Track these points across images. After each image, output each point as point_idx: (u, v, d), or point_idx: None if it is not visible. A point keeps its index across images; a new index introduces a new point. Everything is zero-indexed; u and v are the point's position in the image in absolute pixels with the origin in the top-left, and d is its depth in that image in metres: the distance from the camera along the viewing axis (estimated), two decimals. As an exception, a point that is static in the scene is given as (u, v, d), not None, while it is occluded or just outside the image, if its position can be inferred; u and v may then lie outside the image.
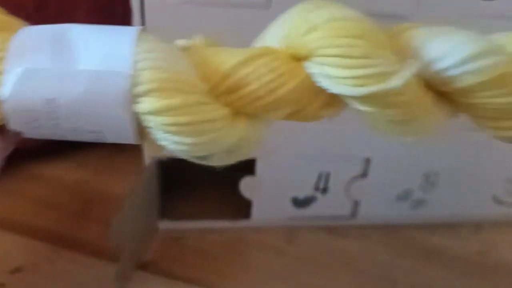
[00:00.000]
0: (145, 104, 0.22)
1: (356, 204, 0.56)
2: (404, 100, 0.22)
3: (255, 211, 0.55)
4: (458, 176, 0.55)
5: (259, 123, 0.23)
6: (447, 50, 0.22)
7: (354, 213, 0.57)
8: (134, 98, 0.22)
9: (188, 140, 0.21)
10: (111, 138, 0.23)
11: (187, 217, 0.56)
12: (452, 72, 0.22)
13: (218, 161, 0.23)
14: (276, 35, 0.24)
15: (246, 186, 0.53)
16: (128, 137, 0.23)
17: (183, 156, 0.23)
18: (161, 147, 0.23)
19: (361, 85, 0.21)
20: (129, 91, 0.22)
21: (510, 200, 0.57)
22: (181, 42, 0.26)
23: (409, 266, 0.53)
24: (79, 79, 0.21)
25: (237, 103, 0.23)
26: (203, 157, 0.23)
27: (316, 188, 0.55)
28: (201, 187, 0.58)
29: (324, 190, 0.55)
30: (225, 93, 0.23)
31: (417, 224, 0.58)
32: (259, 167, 0.52)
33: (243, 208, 0.55)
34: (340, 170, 0.54)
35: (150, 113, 0.21)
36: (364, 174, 0.54)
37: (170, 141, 0.22)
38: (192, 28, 0.47)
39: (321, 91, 0.23)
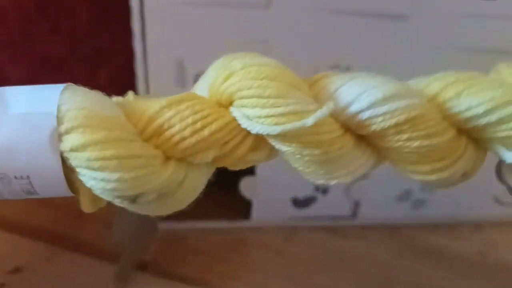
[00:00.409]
0: (69, 141, 0.21)
1: (356, 204, 0.56)
2: (322, 140, 0.22)
3: (255, 211, 0.55)
4: (458, 176, 0.55)
5: (193, 170, 0.23)
6: (358, 94, 0.23)
7: (354, 213, 0.57)
8: (60, 136, 0.22)
9: (114, 175, 0.21)
10: (40, 187, 0.22)
11: (187, 217, 0.56)
12: (363, 115, 0.23)
13: (150, 207, 0.23)
14: (203, 85, 0.25)
15: (246, 186, 0.53)
16: (58, 185, 0.22)
17: (112, 198, 0.22)
18: (96, 200, 0.23)
19: (276, 124, 0.22)
20: (56, 130, 0.22)
21: (510, 200, 0.57)
22: (114, 99, 0.26)
23: (409, 266, 0.53)
24: (7, 123, 0.22)
25: (164, 146, 0.23)
26: (133, 199, 0.22)
27: (316, 188, 0.55)
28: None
29: (324, 190, 0.55)
30: (152, 136, 0.23)
31: (417, 224, 0.58)
32: (259, 167, 0.52)
33: (243, 208, 0.55)
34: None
35: (74, 149, 0.21)
36: (364, 174, 0.54)
37: (96, 179, 0.21)
38: (192, 28, 0.47)
39: (246, 134, 0.24)
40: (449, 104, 0.24)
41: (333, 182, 0.24)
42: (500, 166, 0.25)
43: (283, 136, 0.23)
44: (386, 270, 0.53)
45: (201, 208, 0.58)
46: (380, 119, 0.23)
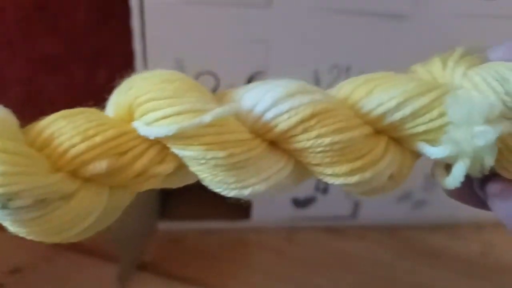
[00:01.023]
0: None
1: (356, 204, 0.56)
2: (225, 140, 0.22)
3: (255, 211, 0.55)
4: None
5: (89, 189, 0.22)
6: (262, 94, 0.23)
7: (354, 214, 0.57)
8: None
9: None
10: None
11: (187, 218, 0.56)
12: (269, 115, 0.22)
13: (27, 216, 0.20)
14: (109, 107, 0.24)
15: (246, 186, 0.53)
16: None
17: None
18: None
19: (173, 123, 0.21)
20: None
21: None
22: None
23: (409, 266, 0.53)
24: None
25: (54, 156, 0.21)
26: (5, 202, 0.20)
27: (317, 188, 0.55)
28: (201, 187, 0.58)
29: (325, 190, 0.55)
30: (42, 146, 0.21)
31: (417, 224, 0.57)
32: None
33: (243, 208, 0.55)
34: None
35: None
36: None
37: None
38: (192, 28, 0.46)
39: (149, 145, 0.22)
40: (360, 103, 0.23)
41: (246, 192, 0.23)
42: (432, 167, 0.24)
43: (183, 138, 0.22)
44: (386, 270, 0.53)
45: (201, 208, 0.58)
46: (285, 116, 0.22)
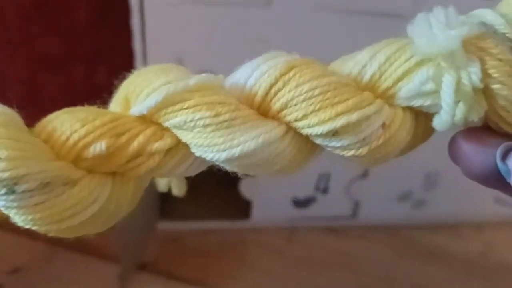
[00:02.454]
0: None
1: (356, 204, 0.56)
2: (212, 101, 0.23)
3: (255, 211, 0.55)
4: (459, 176, 0.55)
5: (93, 178, 0.23)
6: (242, 69, 0.25)
7: (354, 214, 0.57)
8: None
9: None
10: None
11: (187, 217, 0.56)
12: (250, 82, 0.24)
13: (32, 201, 0.21)
14: (111, 104, 0.26)
15: (246, 186, 0.53)
16: None
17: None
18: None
19: (158, 92, 0.23)
20: None
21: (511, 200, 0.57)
22: None
23: (409, 266, 0.53)
24: None
25: (56, 146, 0.23)
26: (11, 186, 0.21)
27: (317, 188, 0.55)
28: (201, 187, 0.58)
29: (325, 190, 0.55)
30: (47, 140, 0.22)
31: (418, 224, 0.57)
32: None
33: (243, 208, 0.55)
34: (340, 170, 0.53)
35: None
36: (364, 174, 0.54)
37: None
38: (191, 27, 0.46)
39: (145, 127, 0.24)
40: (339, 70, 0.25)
41: (237, 152, 0.23)
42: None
43: (172, 104, 0.23)
44: (386, 270, 0.53)
45: (201, 208, 0.58)
46: (265, 76, 0.23)
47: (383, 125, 0.23)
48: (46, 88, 0.54)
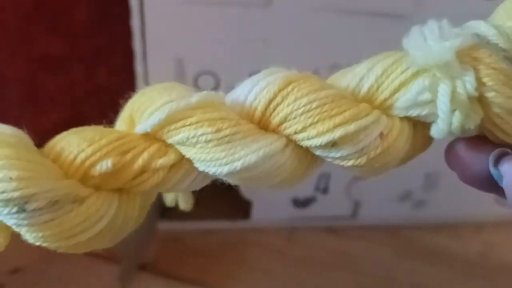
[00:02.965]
0: None
1: (356, 204, 0.56)
2: (213, 117, 0.24)
3: (255, 211, 0.55)
4: (459, 176, 0.55)
5: (100, 196, 0.23)
6: (242, 86, 0.26)
7: (354, 214, 0.57)
8: None
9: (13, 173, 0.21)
10: None
11: (187, 218, 0.56)
12: (250, 98, 0.25)
13: (42, 219, 0.22)
14: (117, 124, 0.27)
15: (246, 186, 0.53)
16: None
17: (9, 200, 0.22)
18: None
19: (164, 109, 0.24)
20: None
21: None
22: None
23: (409, 266, 0.53)
24: None
25: (65, 166, 0.23)
26: (22, 205, 0.21)
27: (317, 188, 0.55)
28: (201, 188, 0.58)
29: (325, 190, 0.55)
30: (55, 160, 0.24)
31: (418, 224, 0.57)
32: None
33: (243, 208, 0.55)
34: (340, 170, 0.53)
35: None
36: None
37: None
38: (192, 27, 0.46)
39: (149, 144, 0.24)
40: (337, 84, 0.26)
41: (239, 166, 0.23)
42: None
43: (174, 121, 0.24)
44: (386, 270, 0.53)
45: (201, 208, 0.58)
46: (264, 92, 0.24)
47: (381, 135, 0.24)
48: (46, 88, 0.54)
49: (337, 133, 0.23)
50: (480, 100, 0.23)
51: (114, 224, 0.24)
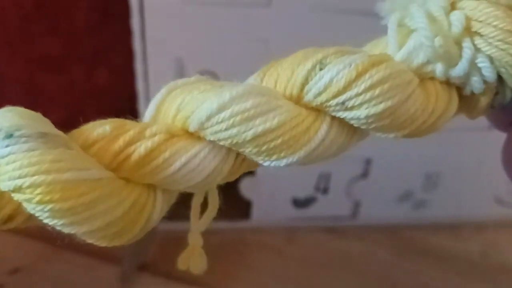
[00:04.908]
0: None
1: (356, 204, 0.56)
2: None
3: (255, 211, 0.55)
4: (459, 176, 0.55)
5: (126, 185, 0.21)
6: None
7: (354, 214, 0.57)
8: None
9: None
10: None
11: (187, 218, 0.56)
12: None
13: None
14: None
15: (246, 186, 0.53)
16: None
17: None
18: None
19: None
20: None
21: (512, 200, 0.57)
22: None
23: (410, 266, 0.53)
24: None
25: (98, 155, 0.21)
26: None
27: (317, 188, 0.55)
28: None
29: (325, 191, 0.55)
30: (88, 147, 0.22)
31: (418, 224, 0.57)
32: (259, 167, 0.52)
33: (243, 208, 0.55)
34: (340, 170, 0.53)
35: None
36: (365, 175, 0.54)
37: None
38: (192, 27, 0.46)
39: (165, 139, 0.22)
40: None
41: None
42: None
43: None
44: (386, 270, 0.53)
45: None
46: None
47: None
48: (46, 88, 0.54)
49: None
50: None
51: (114, 209, 0.21)
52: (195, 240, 0.29)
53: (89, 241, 0.22)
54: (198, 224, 0.27)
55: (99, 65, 0.54)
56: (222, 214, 0.60)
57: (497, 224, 0.58)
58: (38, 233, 0.52)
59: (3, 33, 0.51)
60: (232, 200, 0.55)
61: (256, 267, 0.52)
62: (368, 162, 0.53)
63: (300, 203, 0.55)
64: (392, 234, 0.57)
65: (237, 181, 0.53)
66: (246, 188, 0.53)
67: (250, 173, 0.52)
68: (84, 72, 0.54)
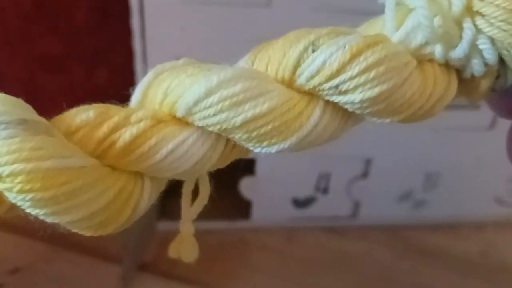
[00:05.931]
0: None
1: (357, 204, 0.56)
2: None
3: (255, 211, 0.55)
4: (459, 176, 0.55)
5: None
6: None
7: (354, 214, 0.57)
8: None
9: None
10: None
11: (187, 217, 0.56)
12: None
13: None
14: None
15: (246, 186, 0.53)
16: None
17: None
18: None
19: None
20: None
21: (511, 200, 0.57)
22: None
23: (410, 266, 0.53)
24: None
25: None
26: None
27: (317, 188, 0.55)
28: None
29: (325, 190, 0.55)
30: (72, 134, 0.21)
31: (418, 224, 0.57)
32: (259, 167, 0.52)
33: (243, 208, 0.55)
34: (340, 170, 0.53)
35: None
36: (365, 174, 0.54)
37: None
38: (192, 27, 0.46)
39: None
40: None
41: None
42: None
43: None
44: (386, 270, 0.53)
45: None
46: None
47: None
48: (46, 88, 0.54)
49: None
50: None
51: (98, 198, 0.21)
52: (186, 228, 0.27)
53: (74, 230, 0.21)
54: (189, 212, 0.26)
55: (99, 65, 0.54)
56: (222, 214, 0.61)
57: (496, 224, 0.58)
58: (39, 232, 0.52)
59: (3, 33, 0.51)
60: (232, 200, 0.55)
61: (256, 267, 0.52)
62: (368, 162, 0.53)
63: (300, 203, 0.55)
64: (392, 234, 0.57)
65: (237, 181, 0.53)
66: (246, 188, 0.53)
67: (250, 173, 0.52)
68: (84, 72, 0.54)
